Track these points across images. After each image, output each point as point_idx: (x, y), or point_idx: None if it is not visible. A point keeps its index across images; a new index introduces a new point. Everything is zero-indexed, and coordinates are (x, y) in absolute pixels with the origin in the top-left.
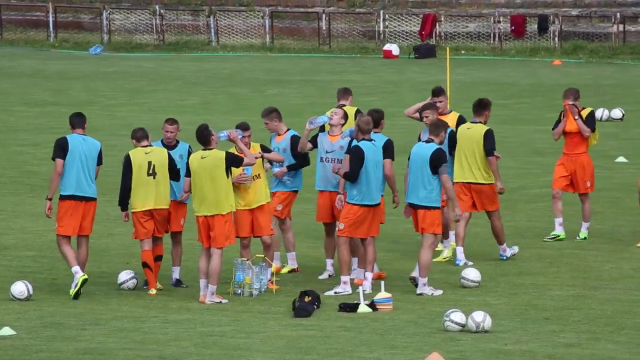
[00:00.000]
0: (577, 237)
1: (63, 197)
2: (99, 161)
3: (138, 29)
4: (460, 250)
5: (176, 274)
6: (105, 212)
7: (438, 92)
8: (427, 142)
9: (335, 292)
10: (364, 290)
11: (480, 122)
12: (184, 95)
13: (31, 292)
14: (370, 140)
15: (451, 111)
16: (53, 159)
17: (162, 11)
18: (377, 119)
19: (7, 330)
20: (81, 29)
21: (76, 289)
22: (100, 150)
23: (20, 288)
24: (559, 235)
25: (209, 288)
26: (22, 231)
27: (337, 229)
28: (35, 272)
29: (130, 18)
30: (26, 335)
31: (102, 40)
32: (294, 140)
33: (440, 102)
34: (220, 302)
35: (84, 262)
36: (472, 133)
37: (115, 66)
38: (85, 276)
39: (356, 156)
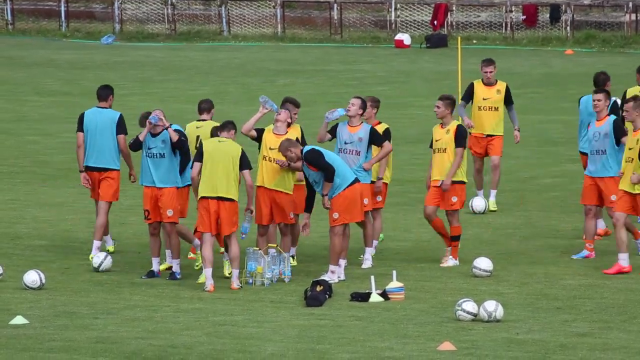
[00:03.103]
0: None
1: (85, 169)
2: (119, 130)
3: (150, 19)
4: None
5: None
6: (118, 201)
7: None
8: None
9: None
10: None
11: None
12: (195, 85)
13: (44, 281)
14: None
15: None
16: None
17: (173, 1)
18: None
19: (20, 319)
20: (93, 19)
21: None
22: (119, 120)
23: (32, 277)
24: None
25: (233, 273)
26: (35, 220)
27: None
28: (47, 261)
29: (141, 8)
30: (39, 324)
31: (114, 30)
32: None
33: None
34: (241, 286)
35: (100, 227)
36: None
37: (127, 56)
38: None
39: (322, 158)
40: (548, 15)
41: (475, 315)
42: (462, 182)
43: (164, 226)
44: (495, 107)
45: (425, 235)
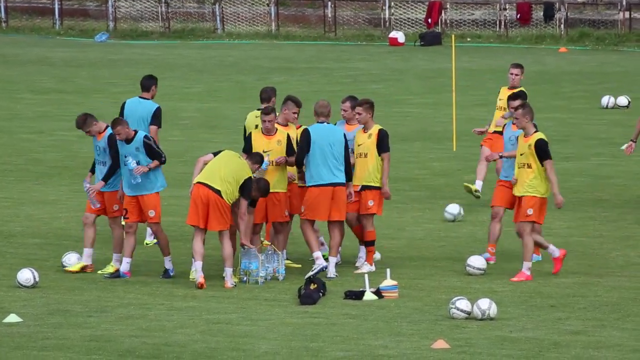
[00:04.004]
0: None
1: None
2: (153, 121)
3: (144, 17)
4: None
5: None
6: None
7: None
8: None
9: (314, 271)
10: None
11: None
12: (190, 82)
13: (37, 279)
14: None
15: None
16: None
17: None
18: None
19: (13, 318)
20: (87, 17)
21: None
22: (155, 112)
23: (26, 275)
24: None
25: (226, 271)
26: (28, 219)
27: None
28: (41, 259)
29: (135, 5)
30: (32, 323)
31: (108, 28)
32: (112, 138)
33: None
34: (235, 284)
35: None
36: None
37: (121, 54)
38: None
39: (303, 138)
40: (542, 13)
41: (469, 313)
42: (379, 188)
43: (150, 227)
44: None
45: (419, 233)
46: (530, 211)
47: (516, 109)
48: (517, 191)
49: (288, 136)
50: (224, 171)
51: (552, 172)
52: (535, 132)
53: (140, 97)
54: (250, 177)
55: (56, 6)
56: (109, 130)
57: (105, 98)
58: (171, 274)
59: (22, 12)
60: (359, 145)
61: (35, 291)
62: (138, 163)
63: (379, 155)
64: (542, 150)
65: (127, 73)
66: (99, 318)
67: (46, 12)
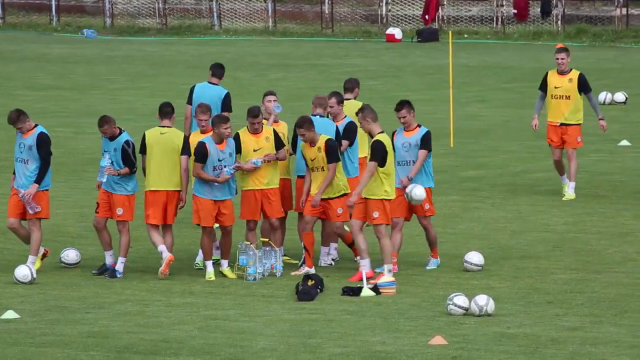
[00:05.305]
0: None
1: None
2: (224, 108)
3: (141, 13)
4: None
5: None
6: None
7: None
8: None
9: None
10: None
11: None
12: (187, 79)
13: (35, 275)
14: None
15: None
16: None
17: None
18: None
19: (11, 314)
20: (84, 13)
21: None
22: (225, 98)
23: (24, 272)
24: None
25: (164, 254)
26: None
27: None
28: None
29: (132, 2)
30: (30, 319)
31: (105, 24)
32: (42, 137)
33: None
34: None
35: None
36: None
37: (118, 50)
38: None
39: (294, 132)
40: (539, 10)
41: (466, 309)
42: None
43: (116, 224)
44: (567, 96)
45: (416, 229)
46: (376, 214)
47: (399, 114)
48: (365, 193)
49: (274, 131)
50: (164, 169)
51: (351, 174)
52: (380, 133)
53: (209, 82)
54: (185, 136)
55: (53, 3)
56: (39, 129)
57: (102, 94)
58: (118, 275)
59: (19, 8)
60: (312, 160)
61: (33, 287)
62: (112, 164)
63: (328, 165)
64: (377, 153)
65: (124, 69)
66: (96, 314)
67: (43, 9)
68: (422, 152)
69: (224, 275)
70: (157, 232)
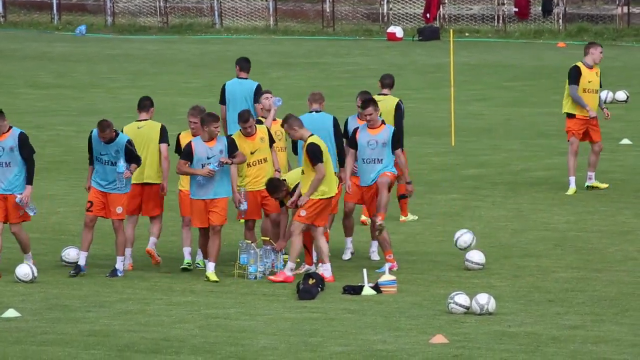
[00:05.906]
0: None
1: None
2: (256, 99)
3: (142, 12)
4: None
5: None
6: None
7: None
8: None
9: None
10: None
11: None
12: (188, 77)
13: (36, 274)
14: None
15: None
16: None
17: None
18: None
19: (12, 312)
20: (85, 12)
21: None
22: (256, 89)
23: (25, 270)
24: None
25: (128, 253)
26: None
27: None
28: (39, 254)
29: (134, 0)
30: (31, 317)
31: (106, 23)
32: (23, 137)
33: None
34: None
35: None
36: None
37: (119, 49)
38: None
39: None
40: (540, 8)
41: (467, 308)
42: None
43: (112, 222)
44: (596, 90)
45: (417, 228)
46: (303, 212)
47: (365, 111)
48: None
49: (268, 130)
50: (147, 166)
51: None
52: (310, 135)
53: (238, 77)
54: (161, 125)
55: (54, 1)
56: (16, 130)
57: (103, 93)
58: (119, 274)
59: (20, 6)
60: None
61: (34, 286)
62: (128, 168)
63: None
64: (314, 155)
65: (126, 68)
66: (97, 313)
67: (44, 7)
68: (400, 152)
69: (207, 279)
70: (130, 224)
